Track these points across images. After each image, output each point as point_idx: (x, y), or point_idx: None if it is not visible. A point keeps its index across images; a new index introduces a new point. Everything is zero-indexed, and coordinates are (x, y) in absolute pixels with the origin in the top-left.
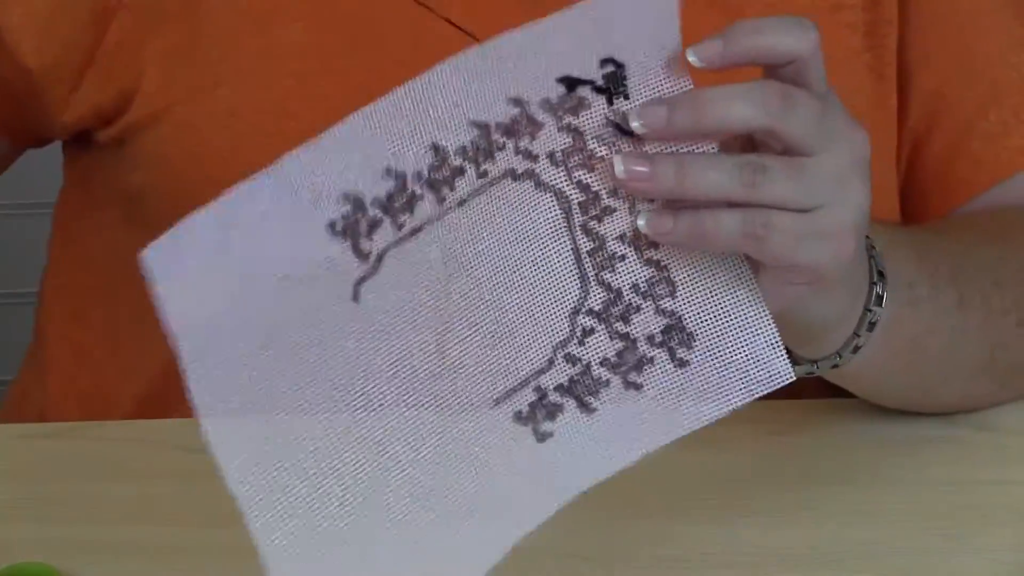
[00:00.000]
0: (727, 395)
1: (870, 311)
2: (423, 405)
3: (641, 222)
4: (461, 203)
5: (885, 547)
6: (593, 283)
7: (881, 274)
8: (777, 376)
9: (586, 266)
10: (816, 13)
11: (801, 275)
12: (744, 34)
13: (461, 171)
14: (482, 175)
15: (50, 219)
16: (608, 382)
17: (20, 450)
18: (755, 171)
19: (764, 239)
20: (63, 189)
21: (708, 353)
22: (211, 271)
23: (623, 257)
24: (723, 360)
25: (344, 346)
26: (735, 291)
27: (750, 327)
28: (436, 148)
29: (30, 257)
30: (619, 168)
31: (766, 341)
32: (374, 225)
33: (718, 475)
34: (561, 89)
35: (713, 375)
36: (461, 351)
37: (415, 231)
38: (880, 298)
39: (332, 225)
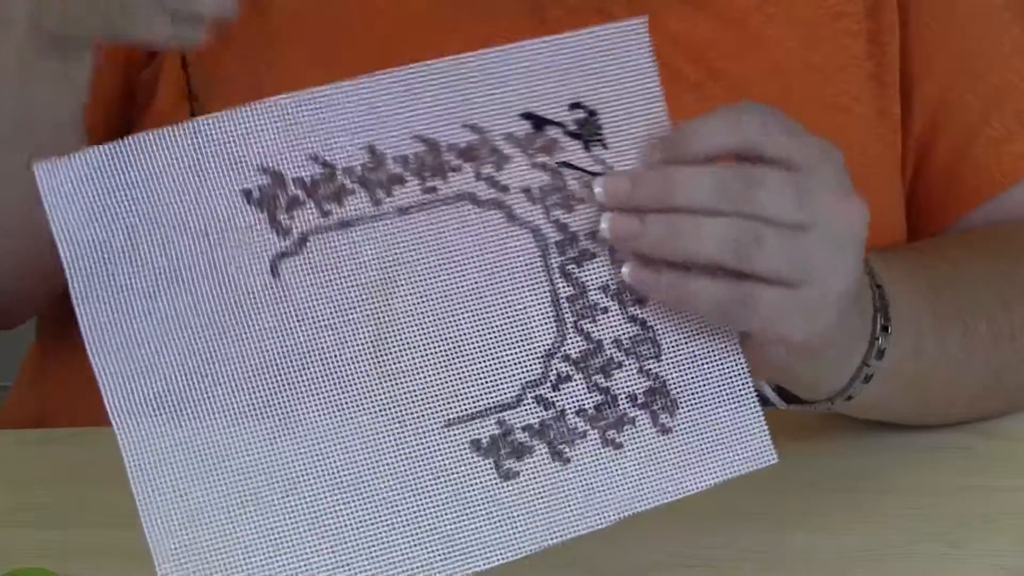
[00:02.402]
0: (707, 470)
1: (867, 366)
2: (354, 404)
3: (624, 270)
4: (402, 212)
5: (888, 553)
6: (571, 330)
7: (885, 328)
8: (759, 456)
9: (564, 311)
10: (818, 21)
11: (785, 346)
12: (677, 143)
13: (400, 180)
14: (429, 190)
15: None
16: (585, 434)
17: (19, 456)
18: (750, 244)
19: (747, 312)
20: None
21: (691, 424)
22: (110, 201)
23: (605, 310)
24: (706, 434)
25: (258, 320)
26: (722, 362)
27: (735, 403)
28: (372, 150)
29: None
30: (605, 226)
31: (751, 418)
32: (294, 203)
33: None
34: (526, 125)
35: (694, 447)
36: (402, 363)
37: (344, 224)
38: (881, 352)
39: (247, 193)
